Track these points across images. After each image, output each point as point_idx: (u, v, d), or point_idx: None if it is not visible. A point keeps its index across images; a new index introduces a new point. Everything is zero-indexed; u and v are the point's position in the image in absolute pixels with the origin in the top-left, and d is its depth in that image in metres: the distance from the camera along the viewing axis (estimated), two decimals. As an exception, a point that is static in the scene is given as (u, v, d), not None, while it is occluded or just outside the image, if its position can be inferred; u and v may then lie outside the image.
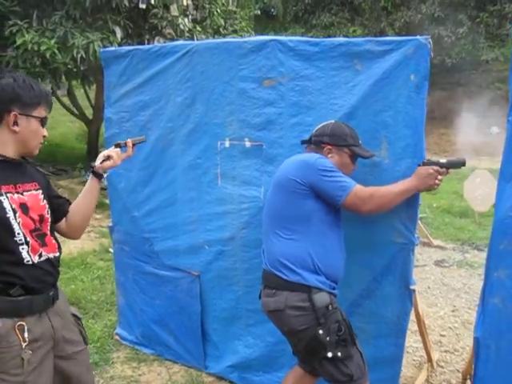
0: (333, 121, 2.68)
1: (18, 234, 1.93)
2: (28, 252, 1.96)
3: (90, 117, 10.88)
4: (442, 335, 4.18)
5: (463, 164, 2.64)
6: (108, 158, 2.23)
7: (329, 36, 18.48)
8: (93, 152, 10.34)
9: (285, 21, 20.66)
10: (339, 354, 2.39)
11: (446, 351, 3.90)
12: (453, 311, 4.69)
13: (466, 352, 3.82)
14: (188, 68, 3.18)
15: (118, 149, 2.29)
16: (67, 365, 2.12)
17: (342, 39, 2.78)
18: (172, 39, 7.32)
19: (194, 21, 8.00)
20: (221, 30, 8.97)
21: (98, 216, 7.16)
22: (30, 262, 1.96)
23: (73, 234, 2.29)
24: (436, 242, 6.64)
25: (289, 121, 2.92)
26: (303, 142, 2.73)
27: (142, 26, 7.52)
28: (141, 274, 3.69)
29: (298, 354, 2.70)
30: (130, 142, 2.36)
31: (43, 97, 2.02)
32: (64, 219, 2.23)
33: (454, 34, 17.52)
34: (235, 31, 8.91)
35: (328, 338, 2.38)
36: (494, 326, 2.52)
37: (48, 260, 2.04)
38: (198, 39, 7.66)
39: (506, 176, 2.44)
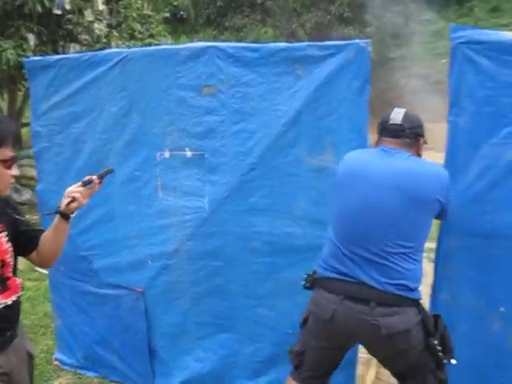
0: (403, 109, 2.48)
1: None
2: None
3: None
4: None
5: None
6: (73, 198, 2.05)
7: (241, 38, 18.57)
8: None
9: (196, 24, 20.54)
10: (452, 360, 2.33)
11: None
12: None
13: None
14: (122, 77, 3.06)
15: (82, 188, 2.09)
16: None
17: (282, 44, 2.77)
18: (88, 45, 7.10)
19: (110, 26, 7.78)
20: (136, 34, 8.75)
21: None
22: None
23: (44, 264, 2.25)
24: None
25: (231, 128, 2.87)
26: (388, 134, 2.43)
27: (57, 32, 7.22)
28: (79, 294, 3.52)
29: (400, 373, 2.46)
30: (95, 178, 2.14)
31: (5, 136, 1.82)
32: (35, 251, 2.12)
33: (363, 34, 18.05)
34: (152, 36, 8.74)
35: (440, 348, 2.28)
36: (444, 321, 2.58)
37: (6, 306, 1.93)
38: (114, 44, 7.46)
39: (450, 174, 2.50)
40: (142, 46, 8.19)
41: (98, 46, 7.21)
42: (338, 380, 2.85)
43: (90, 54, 3.19)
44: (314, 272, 2.45)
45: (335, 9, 17.64)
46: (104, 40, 7.41)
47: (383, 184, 2.26)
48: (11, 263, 1.98)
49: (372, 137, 2.60)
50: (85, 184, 2.11)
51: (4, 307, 1.92)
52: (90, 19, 7.35)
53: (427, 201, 2.25)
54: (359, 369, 3.60)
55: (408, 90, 20.54)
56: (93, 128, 3.23)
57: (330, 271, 2.34)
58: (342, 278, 2.30)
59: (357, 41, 2.66)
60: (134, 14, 8.30)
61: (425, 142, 2.47)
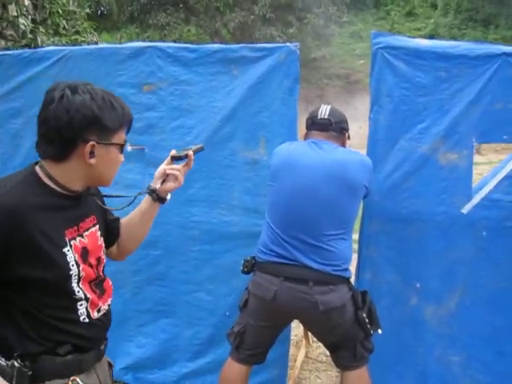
0: (329, 105, 2.73)
1: (78, 291, 1.57)
2: (86, 308, 1.60)
3: None
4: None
5: None
6: (166, 175, 1.80)
7: (165, 36, 18.57)
8: None
9: (119, 20, 20.33)
10: (379, 330, 2.57)
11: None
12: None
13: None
14: (63, 74, 3.14)
15: (180, 165, 1.81)
16: None
17: (218, 46, 2.98)
18: (14, 41, 6.98)
19: (34, 21, 7.67)
20: (61, 30, 8.65)
21: None
22: (87, 320, 1.60)
23: (120, 257, 1.97)
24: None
25: (170, 124, 3.05)
26: (316, 127, 2.66)
27: (-20, 27, 7.07)
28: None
29: (333, 345, 2.68)
30: (191, 153, 1.82)
31: (125, 117, 1.61)
32: (115, 245, 1.90)
33: (285, 34, 18.50)
34: (78, 32, 8.67)
35: (367, 320, 2.52)
36: (368, 297, 2.88)
37: (105, 313, 1.69)
38: (40, 40, 7.38)
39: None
40: (67, 43, 8.15)
41: (23, 41, 7.10)
42: (274, 357, 3.09)
43: (31, 50, 3.27)
44: (253, 257, 2.66)
45: (258, 9, 17.98)
46: (30, 36, 7.31)
47: (315, 172, 2.49)
48: (104, 260, 1.74)
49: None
50: (180, 159, 1.82)
51: (103, 314, 1.68)
52: (15, 14, 7.23)
53: (356, 186, 2.51)
54: (290, 349, 3.86)
55: (329, 90, 21.24)
56: (32, 124, 3.27)
57: (270, 255, 2.55)
58: (281, 260, 2.51)
59: (287, 44, 2.90)
60: (60, 10, 8.21)
61: (348, 137, 2.74)
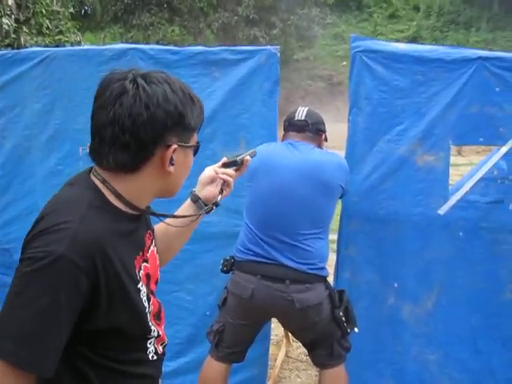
0: (306, 107, 2.78)
1: (154, 331, 1.33)
2: (154, 345, 1.37)
3: None
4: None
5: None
6: (211, 181, 1.58)
7: (148, 36, 18.52)
8: None
9: (102, 20, 20.23)
10: (355, 329, 2.61)
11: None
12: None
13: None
14: (46, 75, 3.16)
15: (232, 171, 1.59)
16: None
17: (200, 48, 3.01)
18: (-4, 40, 6.97)
19: (18, 21, 7.65)
20: (44, 30, 8.63)
21: None
22: (155, 358, 1.37)
23: None
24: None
25: (152, 125, 3.06)
26: (293, 128, 2.70)
27: (-36, 26, 7.04)
28: (2, 286, 3.56)
29: (310, 343, 2.72)
30: (248, 158, 1.60)
31: (203, 113, 1.33)
32: None
33: (268, 35, 18.56)
34: (61, 32, 8.65)
35: (344, 318, 2.56)
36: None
37: (166, 344, 1.47)
38: (23, 40, 7.36)
39: (350, 166, 2.85)
40: (51, 43, 8.13)
41: (6, 41, 7.07)
42: (254, 356, 3.12)
43: (14, 51, 3.29)
44: (232, 256, 2.69)
45: (242, 10, 18.01)
46: (13, 35, 7.28)
47: (292, 173, 2.54)
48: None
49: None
50: (236, 164, 1.61)
51: (165, 346, 1.45)
52: (-2, 14, 7.21)
53: (332, 187, 2.56)
54: (271, 348, 3.90)
55: (311, 91, 21.35)
56: (14, 124, 3.30)
57: (247, 254, 2.59)
58: (259, 259, 2.55)
59: (268, 47, 2.94)
60: (43, 10, 8.19)
61: (325, 139, 2.78)
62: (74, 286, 1.09)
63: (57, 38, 8.26)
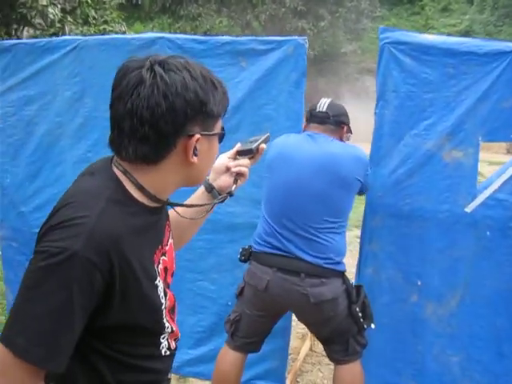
0: (329, 99, 2.74)
1: (168, 327, 1.31)
2: (167, 340, 1.34)
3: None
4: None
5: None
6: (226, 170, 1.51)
7: (196, 27, 18.67)
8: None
9: (151, 11, 20.48)
10: (372, 325, 2.58)
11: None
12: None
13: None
14: (76, 63, 3.22)
15: (247, 160, 1.51)
16: None
17: (227, 38, 2.99)
18: (42, 29, 7.13)
19: (64, 11, 7.81)
20: (90, 20, 8.80)
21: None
22: (168, 353, 1.35)
23: None
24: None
25: (179, 115, 3.08)
26: (314, 120, 2.68)
27: (10, 15, 7.22)
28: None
29: (326, 338, 2.68)
30: (264, 146, 1.53)
31: (226, 98, 1.27)
32: None
33: (316, 27, 18.42)
34: (106, 22, 8.80)
35: (360, 314, 2.54)
36: (368, 293, 2.85)
37: (178, 340, 1.43)
38: (68, 29, 7.51)
39: (375, 160, 2.80)
40: (95, 32, 8.27)
41: (51, 30, 7.24)
42: (274, 348, 3.12)
43: (46, 40, 3.34)
44: (250, 247, 2.69)
45: (290, 2, 17.91)
46: (58, 25, 7.44)
47: (309, 165, 2.50)
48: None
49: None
50: (251, 152, 1.52)
51: (178, 340, 1.42)
52: (44, 3, 7.37)
53: (348, 180, 2.51)
54: (295, 342, 3.89)
55: (359, 84, 21.08)
56: (46, 111, 3.38)
57: (264, 246, 2.58)
58: (275, 251, 2.54)
59: (295, 37, 2.90)
60: (89, 0, 8.34)
61: (350, 131, 2.73)
62: (89, 283, 1.07)
63: (101, 27, 8.40)
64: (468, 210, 2.72)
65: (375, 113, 2.83)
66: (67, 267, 1.05)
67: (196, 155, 1.19)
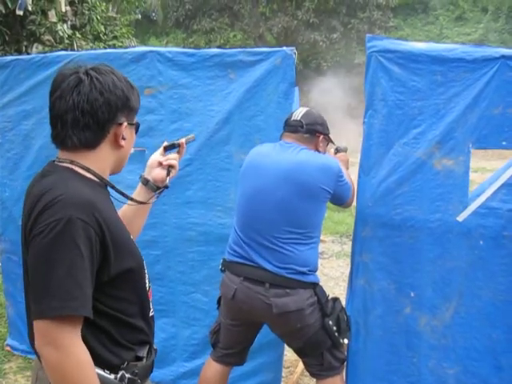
0: (306, 108, 2.74)
1: (149, 280, 1.63)
2: (148, 299, 1.62)
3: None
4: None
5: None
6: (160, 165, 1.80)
7: (210, 41, 18.81)
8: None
9: (166, 26, 20.70)
10: (345, 340, 2.57)
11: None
12: (332, 298, 5.03)
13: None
14: (70, 78, 3.25)
15: (175, 154, 1.85)
16: None
17: (216, 50, 3.01)
18: (51, 46, 7.23)
19: (74, 27, 7.92)
20: (101, 36, 8.91)
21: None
22: (152, 313, 1.63)
23: None
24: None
25: (169, 127, 3.10)
26: (288, 129, 2.67)
27: (20, 32, 7.34)
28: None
29: (299, 350, 2.70)
30: (183, 141, 1.88)
31: (139, 98, 1.60)
32: None
33: (329, 39, 18.44)
34: (116, 37, 8.90)
35: (335, 328, 2.52)
36: (361, 304, 2.84)
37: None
38: (77, 46, 7.61)
39: (365, 170, 2.77)
40: (105, 48, 8.37)
41: (60, 46, 7.33)
42: (268, 361, 3.09)
43: (41, 55, 3.39)
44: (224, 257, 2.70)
45: (302, 14, 17.97)
46: (67, 41, 7.54)
47: (273, 175, 2.50)
48: None
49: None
50: (174, 147, 1.87)
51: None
52: (54, 20, 7.48)
53: (313, 190, 2.49)
54: (293, 355, 3.83)
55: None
56: (43, 125, 3.41)
57: (233, 255, 2.60)
58: (242, 261, 2.55)
59: (283, 48, 2.91)
60: (99, 16, 8.45)
61: (329, 141, 2.71)
62: (88, 239, 1.30)
63: (111, 43, 8.50)
64: (460, 219, 2.67)
65: (364, 122, 2.80)
66: (69, 230, 1.27)
67: (124, 139, 1.50)
